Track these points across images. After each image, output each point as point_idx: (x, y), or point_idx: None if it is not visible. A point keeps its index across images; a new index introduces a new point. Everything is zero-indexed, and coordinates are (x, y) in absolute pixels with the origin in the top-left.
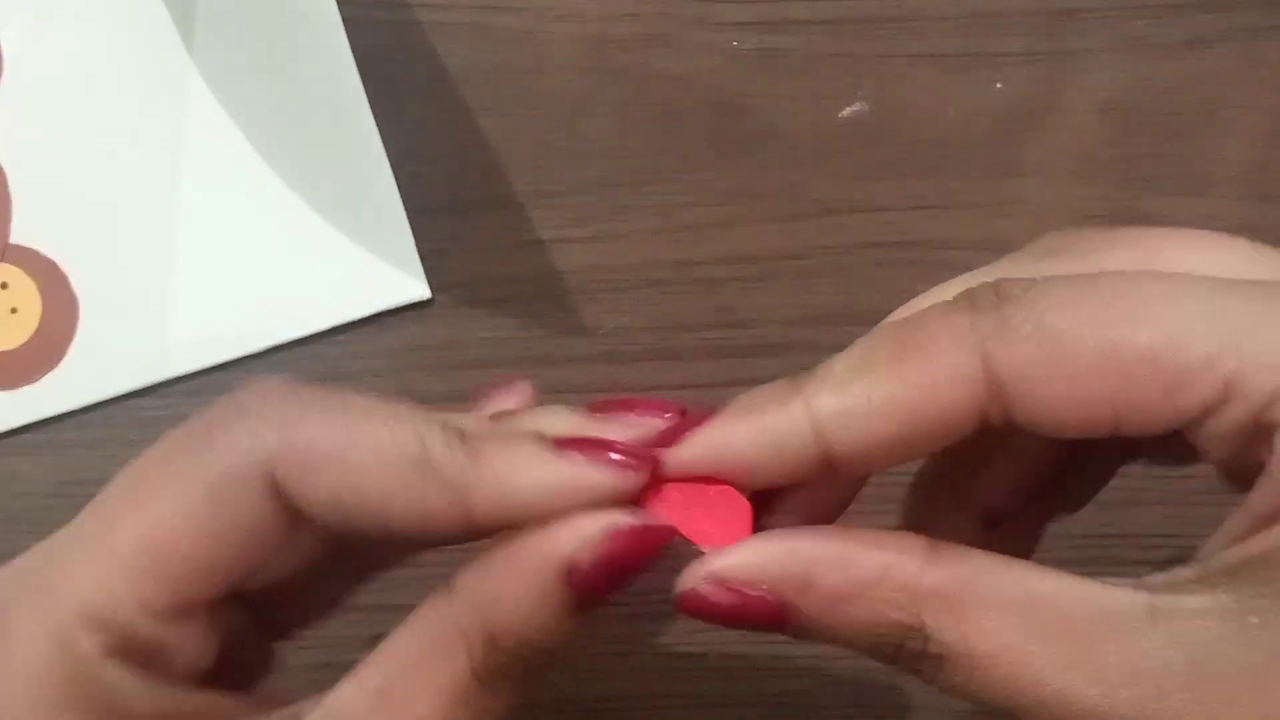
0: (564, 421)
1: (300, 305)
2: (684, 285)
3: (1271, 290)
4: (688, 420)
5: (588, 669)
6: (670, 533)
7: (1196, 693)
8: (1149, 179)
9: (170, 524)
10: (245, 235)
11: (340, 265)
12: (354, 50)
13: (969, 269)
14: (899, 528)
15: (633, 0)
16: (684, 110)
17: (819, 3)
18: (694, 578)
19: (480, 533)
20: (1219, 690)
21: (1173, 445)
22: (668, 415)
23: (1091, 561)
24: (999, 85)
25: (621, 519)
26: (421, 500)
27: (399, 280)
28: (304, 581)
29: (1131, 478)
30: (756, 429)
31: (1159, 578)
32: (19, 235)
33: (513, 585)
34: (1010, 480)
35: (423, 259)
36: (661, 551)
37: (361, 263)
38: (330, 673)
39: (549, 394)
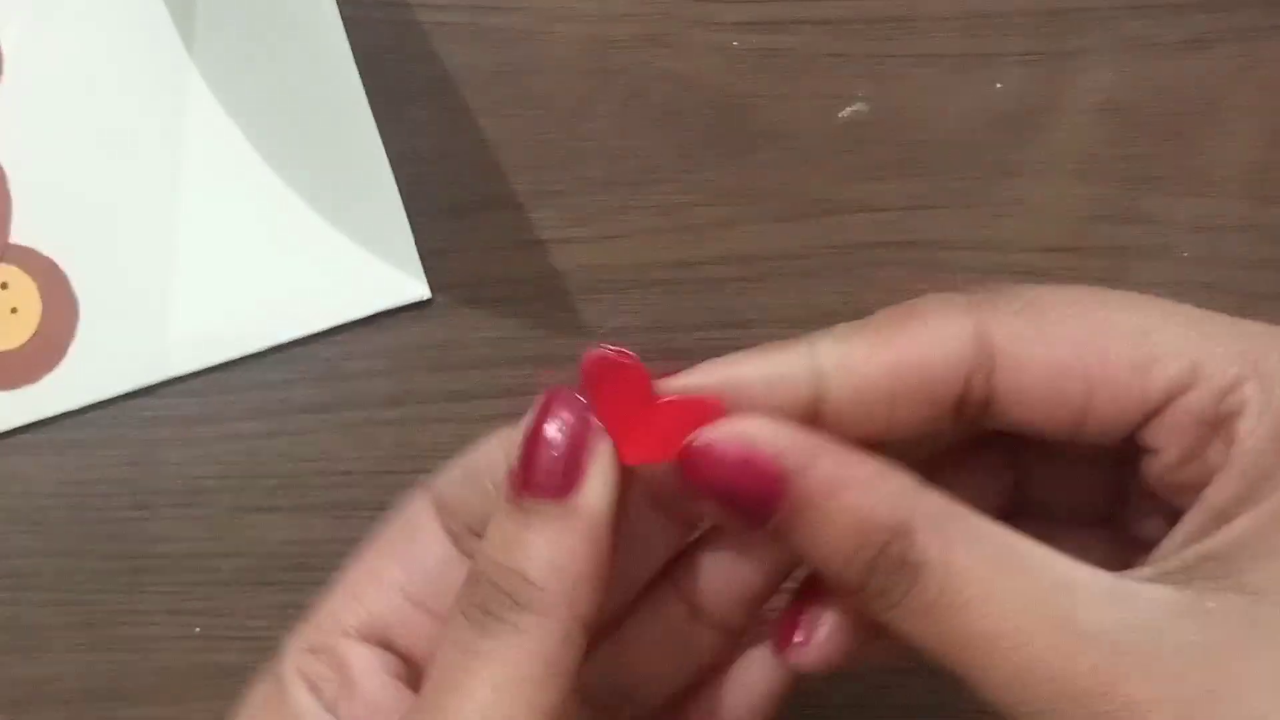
0: None
1: (300, 305)
2: (684, 285)
3: (1223, 315)
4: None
5: None
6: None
7: (1150, 666)
8: (1149, 179)
9: (362, 563)
10: (245, 235)
11: (340, 265)
12: (354, 50)
13: (969, 269)
14: None
15: (633, 0)
16: (684, 110)
17: (819, 3)
18: (709, 433)
19: None
20: (1172, 665)
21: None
22: None
23: None
24: (999, 85)
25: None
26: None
27: (399, 280)
28: None
29: None
30: (758, 361)
31: (1119, 574)
32: (19, 235)
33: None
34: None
35: (423, 259)
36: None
37: (361, 263)
38: None
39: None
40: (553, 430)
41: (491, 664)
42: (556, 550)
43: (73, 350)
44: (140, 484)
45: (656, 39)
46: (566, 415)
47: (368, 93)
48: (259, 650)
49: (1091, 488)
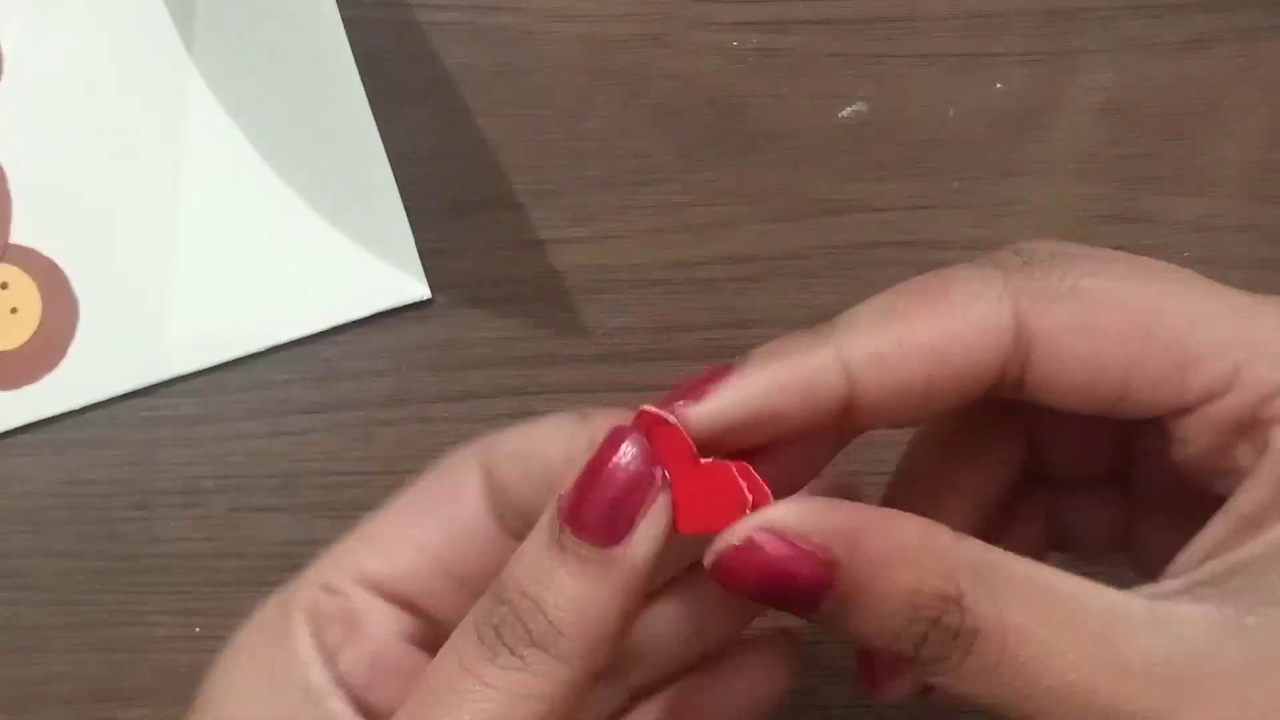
0: None
1: (300, 305)
2: (684, 285)
3: (1275, 300)
4: (709, 373)
5: None
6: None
7: (1202, 689)
8: (1149, 179)
9: (393, 515)
10: (245, 235)
11: (340, 265)
12: (354, 50)
13: None
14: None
15: (633, 0)
16: (684, 110)
17: (819, 3)
18: (747, 527)
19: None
20: (1224, 690)
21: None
22: None
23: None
24: (999, 85)
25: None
26: (571, 429)
27: (399, 280)
28: None
29: None
30: (787, 376)
31: (1148, 589)
32: (19, 235)
33: (525, 541)
34: (1003, 477)
35: (423, 259)
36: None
37: (361, 263)
38: None
39: (549, 394)
40: (616, 472)
41: (491, 694)
42: (587, 598)
43: (73, 350)
44: (140, 484)
45: (656, 39)
46: (633, 460)
47: (368, 93)
48: None
49: (1103, 451)
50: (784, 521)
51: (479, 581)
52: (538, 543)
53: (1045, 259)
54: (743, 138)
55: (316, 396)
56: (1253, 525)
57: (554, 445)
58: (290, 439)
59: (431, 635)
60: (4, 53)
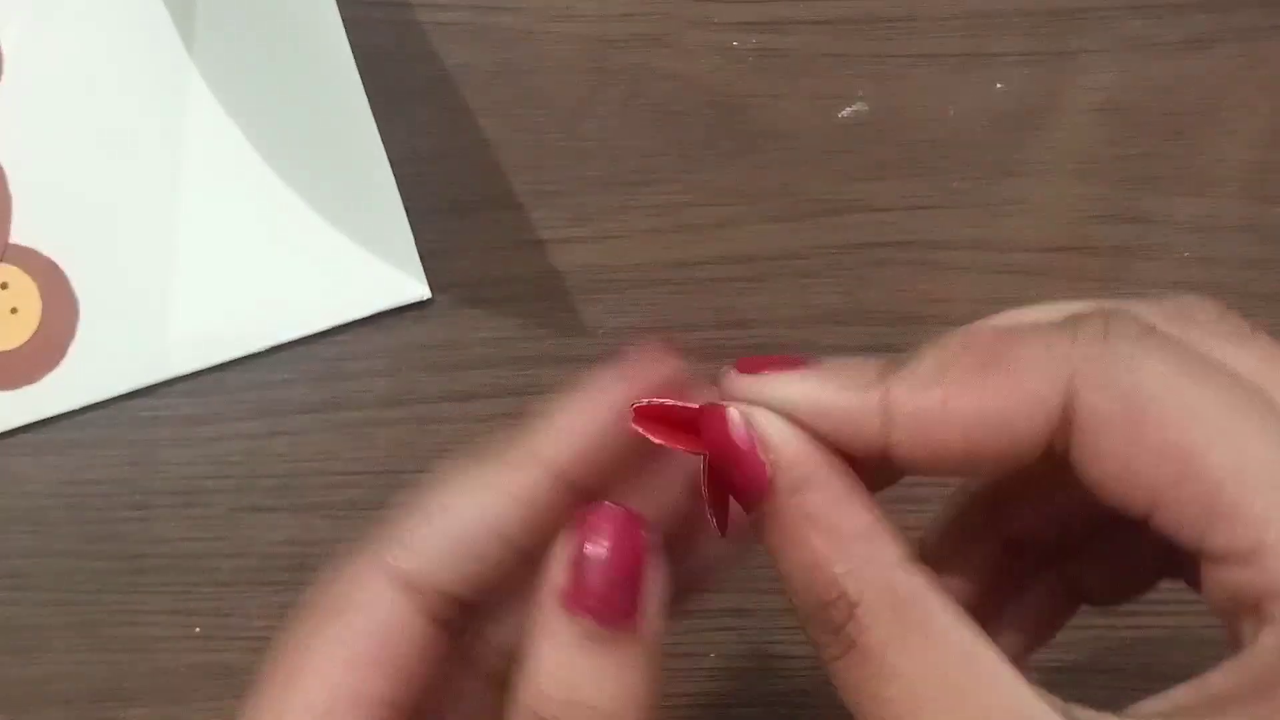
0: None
1: (300, 305)
2: (684, 285)
3: None
4: (775, 359)
5: None
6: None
7: None
8: (1149, 179)
9: (320, 673)
10: (245, 235)
11: (340, 265)
12: (354, 50)
13: (969, 269)
14: (924, 539)
15: (633, 0)
16: (683, 110)
17: (819, 3)
18: (730, 410)
19: (580, 490)
20: None
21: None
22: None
23: None
24: (999, 85)
25: (599, 521)
26: (516, 490)
27: (399, 280)
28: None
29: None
30: (831, 398)
31: (1089, 714)
32: (19, 235)
33: (535, 649)
34: (1043, 516)
35: (423, 259)
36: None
37: (361, 263)
38: None
39: (549, 394)
40: (614, 556)
41: None
42: (632, 677)
43: (73, 350)
44: (140, 484)
45: (656, 39)
46: (624, 540)
47: (368, 93)
48: (259, 650)
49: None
50: (759, 423)
51: (417, 681)
52: (557, 648)
53: (1128, 339)
54: (743, 138)
55: (316, 396)
56: (1215, 709)
57: (477, 517)
58: (290, 439)
59: None
60: (4, 53)
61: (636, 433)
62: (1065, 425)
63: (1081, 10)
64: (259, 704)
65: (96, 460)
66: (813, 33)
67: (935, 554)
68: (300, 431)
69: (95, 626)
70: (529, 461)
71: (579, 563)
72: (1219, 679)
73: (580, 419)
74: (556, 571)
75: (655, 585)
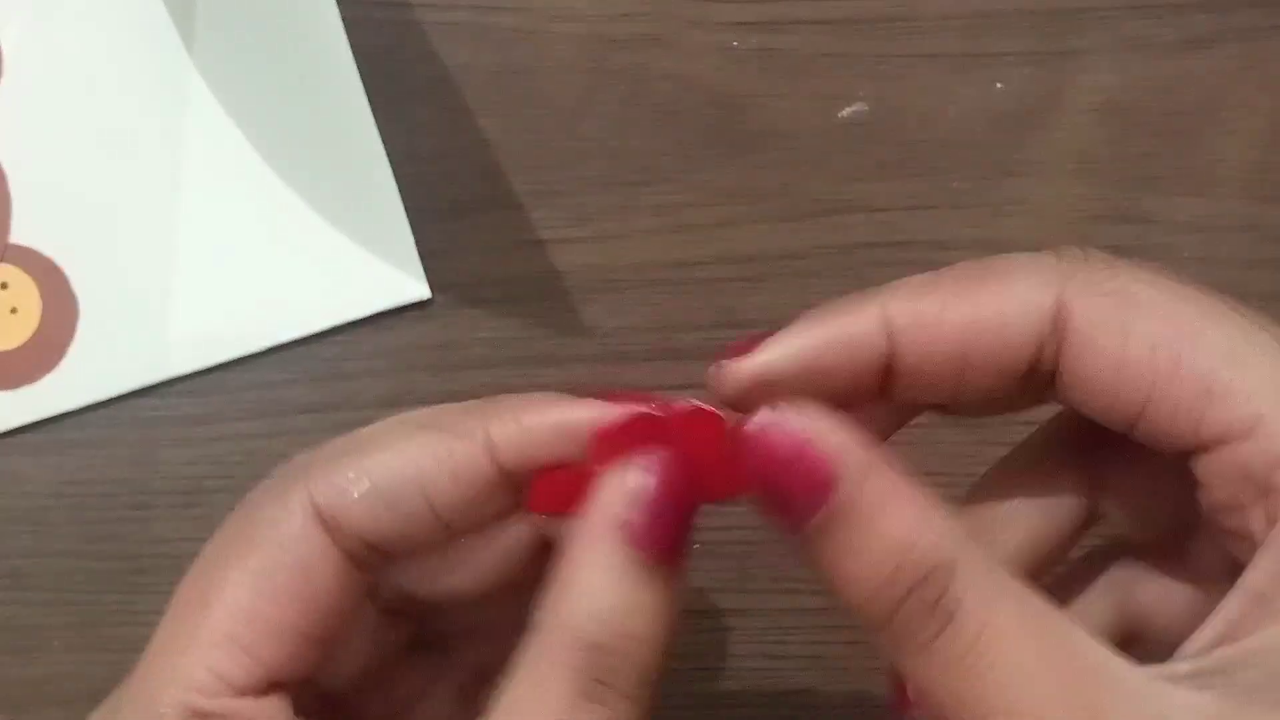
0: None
1: (300, 305)
2: (684, 285)
3: None
4: (756, 335)
5: None
6: (692, 456)
7: None
8: (1149, 179)
9: (235, 600)
10: (245, 235)
11: (340, 265)
12: (354, 50)
13: None
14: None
15: (633, 0)
16: (683, 110)
17: (819, 3)
18: (766, 417)
19: (517, 490)
20: None
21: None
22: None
23: None
24: (999, 85)
25: (650, 459)
26: (450, 455)
27: (399, 280)
28: (384, 677)
29: None
30: (831, 331)
31: (1154, 667)
32: (19, 235)
33: (582, 576)
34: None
35: (423, 259)
36: (698, 486)
37: (361, 263)
38: None
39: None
40: (676, 498)
41: None
42: (666, 611)
43: (73, 350)
44: (140, 484)
45: (656, 39)
46: (681, 481)
47: (368, 93)
48: None
49: (1163, 510)
50: (803, 422)
51: (341, 625)
52: (613, 578)
53: (1104, 260)
54: (743, 138)
55: (316, 396)
56: (1264, 604)
57: (409, 472)
58: (290, 439)
59: (314, 699)
60: (4, 53)
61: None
62: (1055, 332)
63: (1081, 10)
64: (173, 629)
65: (96, 460)
66: (813, 33)
67: None
68: (300, 431)
69: (95, 626)
70: (472, 436)
71: (647, 500)
72: (1255, 576)
73: (537, 417)
74: (616, 503)
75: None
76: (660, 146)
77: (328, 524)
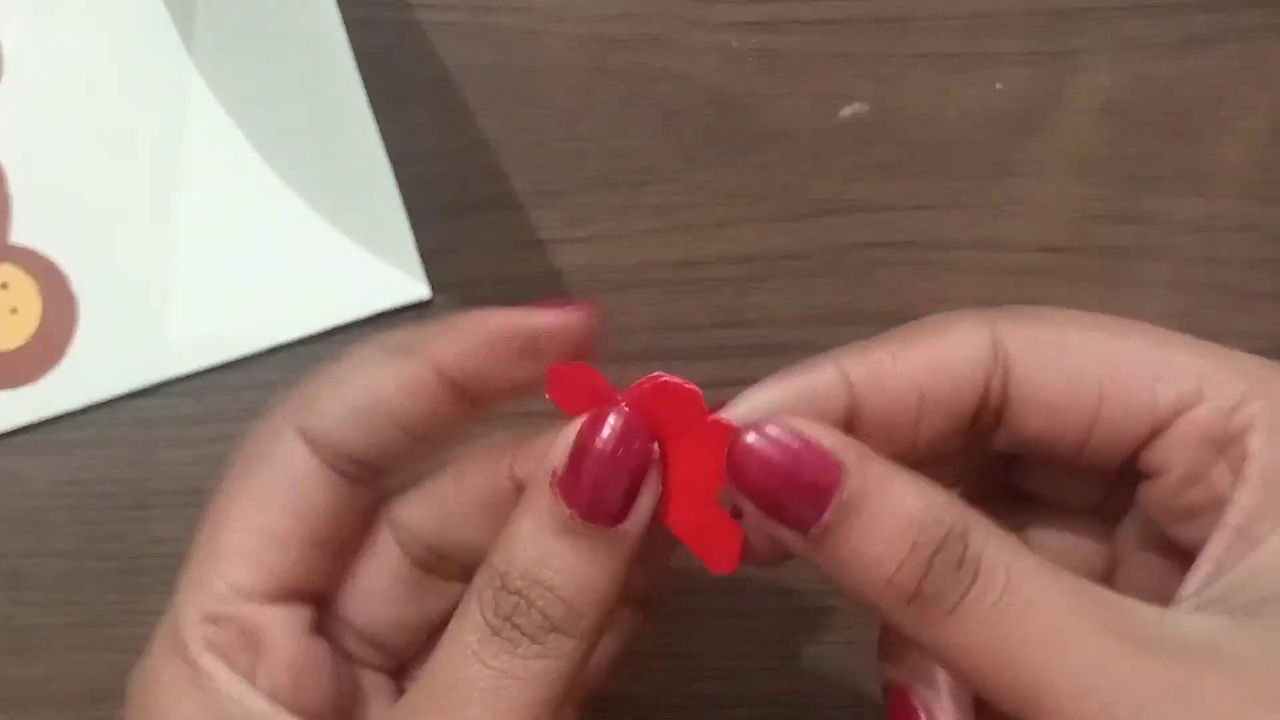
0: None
1: (300, 305)
2: (684, 285)
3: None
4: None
5: None
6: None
7: (1221, 670)
8: (1149, 179)
9: (240, 519)
10: (245, 235)
11: (340, 265)
12: (354, 50)
13: (969, 269)
14: None
15: (632, 0)
16: (684, 110)
17: (819, 3)
18: (762, 429)
19: (474, 398)
20: (1245, 667)
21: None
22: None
23: None
24: (999, 85)
25: (599, 414)
26: (402, 375)
27: (399, 280)
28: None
29: None
30: (797, 384)
31: (1158, 607)
32: (19, 235)
33: (515, 518)
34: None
35: (423, 259)
36: (626, 438)
37: (361, 263)
38: None
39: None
40: (620, 453)
41: (518, 686)
42: (597, 574)
43: (73, 350)
44: (140, 484)
45: (656, 39)
46: (634, 439)
47: (368, 93)
48: None
49: (1090, 480)
50: (797, 424)
51: (342, 537)
52: (537, 527)
53: (1022, 307)
54: (743, 138)
55: None
56: (1246, 537)
57: (379, 386)
58: None
59: (328, 616)
60: (4, 53)
61: (550, 388)
62: (998, 362)
63: (1081, 10)
64: (196, 556)
65: (96, 460)
66: (813, 33)
67: None
68: None
69: (95, 626)
70: (416, 353)
71: (581, 454)
72: (1235, 512)
73: (473, 330)
74: (558, 453)
75: (647, 498)
76: (660, 146)
77: (313, 445)
